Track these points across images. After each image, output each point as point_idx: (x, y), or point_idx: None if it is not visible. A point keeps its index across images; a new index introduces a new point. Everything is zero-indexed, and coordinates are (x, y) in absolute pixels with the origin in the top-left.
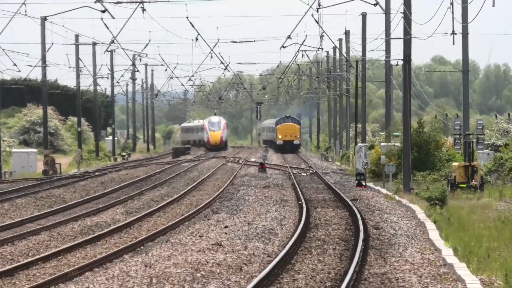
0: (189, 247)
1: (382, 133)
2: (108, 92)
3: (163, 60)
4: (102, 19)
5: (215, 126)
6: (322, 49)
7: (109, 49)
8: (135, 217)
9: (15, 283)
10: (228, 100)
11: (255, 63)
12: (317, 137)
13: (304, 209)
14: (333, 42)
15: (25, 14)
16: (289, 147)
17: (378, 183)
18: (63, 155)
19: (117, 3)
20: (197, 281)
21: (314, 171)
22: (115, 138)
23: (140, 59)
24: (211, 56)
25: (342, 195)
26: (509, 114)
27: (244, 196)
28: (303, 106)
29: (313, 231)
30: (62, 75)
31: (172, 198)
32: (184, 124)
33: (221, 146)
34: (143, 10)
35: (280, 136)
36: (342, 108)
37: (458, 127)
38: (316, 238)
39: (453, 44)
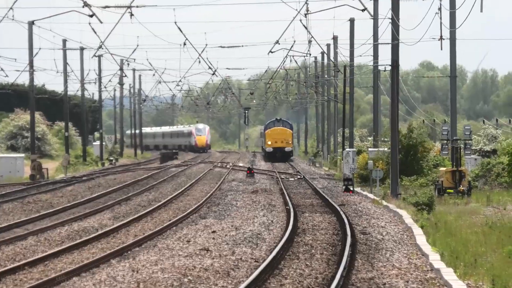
0: (176, 252)
1: (370, 138)
2: (96, 97)
3: (151, 65)
4: (90, 23)
5: (201, 132)
6: (310, 54)
7: (96, 54)
8: (122, 222)
9: None
10: (216, 105)
11: (243, 68)
12: (305, 142)
13: (292, 214)
14: (321, 47)
15: (13, 19)
16: (279, 155)
17: (365, 188)
18: (50, 160)
19: (105, 7)
20: (184, 286)
21: (302, 176)
22: (103, 143)
23: (128, 64)
24: (199, 61)
25: (329, 200)
26: (497, 119)
27: (232, 201)
28: (291, 111)
29: (300, 236)
30: (50, 80)
31: (160, 203)
32: (165, 130)
33: (206, 148)
34: (131, 15)
35: (269, 142)
36: (330, 113)
37: (446, 133)
38: (303, 243)
39: (441, 49)
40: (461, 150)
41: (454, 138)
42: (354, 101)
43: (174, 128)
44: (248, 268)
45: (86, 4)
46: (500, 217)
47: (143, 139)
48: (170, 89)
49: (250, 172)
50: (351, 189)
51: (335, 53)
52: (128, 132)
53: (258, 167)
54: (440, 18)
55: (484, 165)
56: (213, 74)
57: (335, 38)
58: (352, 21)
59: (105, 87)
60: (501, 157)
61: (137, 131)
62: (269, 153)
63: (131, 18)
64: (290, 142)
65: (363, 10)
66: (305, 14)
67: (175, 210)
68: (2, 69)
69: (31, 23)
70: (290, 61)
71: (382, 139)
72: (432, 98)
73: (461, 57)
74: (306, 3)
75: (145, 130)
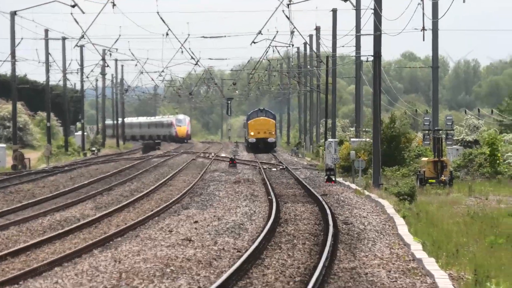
0: (158, 242)
1: (352, 129)
2: (78, 87)
3: (133, 55)
4: (72, 14)
5: (181, 123)
6: (292, 45)
7: (78, 44)
8: (104, 212)
9: None
10: (198, 95)
11: (226, 59)
12: (287, 132)
13: (274, 204)
14: (303, 38)
15: None
16: (262, 146)
17: (347, 178)
18: (32, 150)
19: None
20: (167, 276)
21: (285, 167)
22: (85, 133)
23: (110, 54)
24: (182, 51)
25: (312, 190)
26: (478, 110)
27: (214, 192)
28: (274, 102)
29: (283, 226)
30: (32, 70)
31: (142, 194)
32: (144, 120)
33: (187, 138)
34: (113, 5)
35: (252, 133)
36: (313, 103)
37: (428, 123)
38: (286, 233)
39: (423, 40)
40: (443, 140)
41: (436, 128)
42: (337, 92)
43: (155, 119)
44: (231, 258)
45: None
46: (481, 207)
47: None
48: (153, 79)
49: (233, 162)
50: (333, 179)
51: (318, 44)
52: (108, 122)
53: (241, 158)
54: (423, 9)
55: (466, 156)
56: (195, 65)
57: (317, 29)
58: (334, 11)
59: (87, 77)
60: (483, 147)
61: (120, 121)
62: (252, 144)
63: (113, 8)
64: (273, 132)
65: (345, 1)
66: (288, 5)
67: (157, 200)
68: None
69: (13, 13)
70: (273, 51)
71: (364, 129)
72: (414, 89)
73: (443, 48)
74: None
75: (126, 120)
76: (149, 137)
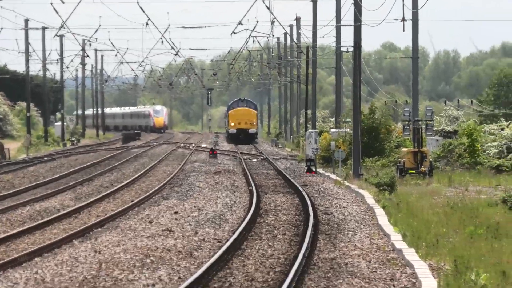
0: (138, 232)
1: (332, 119)
2: (58, 77)
3: (113, 45)
4: (52, 3)
5: (159, 113)
6: (273, 35)
7: (58, 34)
8: (84, 203)
9: None
10: (178, 85)
11: (206, 49)
12: (268, 123)
13: (255, 194)
14: (284, 28)
15: None
16: (243, 137)
17: (328, 169)
18: (12, 141)
19: None
20: (147, 266)
21: (265, 157)
22: (65, 124)
23: (90, 44)
24: (162, 42)
25: (292, 180)
26: (458, 100)
27: (195, 182)
28: (254, 92)
29: (263, 217)
30: (12, 60)
31: (122, 184)
32: (125, 110)
33: (164, 129)
34: None
35: (232, 123)
36: (293, 94)
37: (408, 114)
38: (266, 223)
39: (403, 30)
40: (423, 131)
41: (416, 119)
42: (317, 82)
43: (133, 109)
44: (211, 249)
45: None
46: (461, 197)
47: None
48: (133, 70)
49: (213, 153)
50: (314, 169)
51: (298, 34)
52: (87, 112)
53: (221, 148)
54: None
55: (445, 146)
56: (175, 55)
57: (297, 19)
58: (314, 2)
59: (67, 67)
60: (462, 138)
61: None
62: (232, 135)
63: None
64: (254, 123)
65: None
66: None
67: (137, 190)
68: None
69: None
70: (253, 42)
71: (343, 120)
72: (394, 79)
73: (423, 38)
74: None
75: (105, 110)
76: (126, 128)
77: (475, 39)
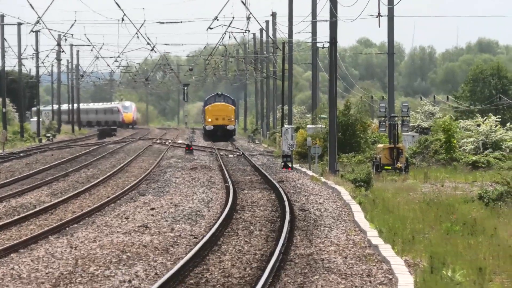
0: (115, 228)
1: (308, 115)
2: (33, 73)
3: (89, 41)
4: None
5: (128, 109)
6: (249, 31)
7: (34, 30)
8: (60, 199)
9: None
10: (154, 81)
11: (182, 44)
12: (244, 119)
13: (231, 190)
14: (259, 24)
15: None
16: (221, 133)
17: (304, 165)
18: None
19: None
20: (123, 262)
21: (241, 153)
22: (40, 119)
23: (66, 40)
24: (138, 37)
25: (268, 177)
26: (434, 96)
27: (171, 178)
28: (231, 88)
29: (239, 213)
30: None
31: (98, 180)
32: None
33: (133, 124)
34: None
35: (209, 120)
36: (269, 90)
37: (384, 109)
38: (242, 219)
39: (379, 26)
40: (399, 127)
41: (392, 115)
42: (293, 78)
43: (104, 105)
44: (187, 245)
45: None
46: (437, 194)
47: (65, 115)
48: (108, 65)
49: (189, 148)
50: (290, 165)
51: (274, 30)
52: (62, 108)
53: (197, 144)
54: None
55: (421, 142)
56: (151, 50)
57: (273, 15)
58: None
59: (42, 63)
60: (439, 134)
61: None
62: (209, 132)
63: None
64: (232, 119)
65: None
66: None
67: (113, 186)
68: None
69: None
70: (229, 37)
71: (319, 116)
72: (370, 75)
73: (398, 34)
74: None
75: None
76: (97, 123)
77: (451, 36)
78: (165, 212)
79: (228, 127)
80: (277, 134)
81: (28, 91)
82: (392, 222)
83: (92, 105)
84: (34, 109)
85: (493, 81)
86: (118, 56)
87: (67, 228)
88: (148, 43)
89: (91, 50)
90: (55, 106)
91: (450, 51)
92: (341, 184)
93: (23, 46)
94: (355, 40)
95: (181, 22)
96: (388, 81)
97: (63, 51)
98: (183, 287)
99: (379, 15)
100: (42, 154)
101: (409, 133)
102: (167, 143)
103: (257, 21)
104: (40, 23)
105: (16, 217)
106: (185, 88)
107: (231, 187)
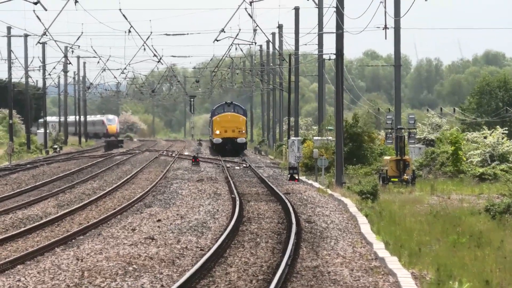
0: (121, 240)
1: (315, 127)
2: (40, 85)
3: (96, 53)
4: (34, 11)
5: (111, 122)
6: (255, 43)
7: (41, 41)
8: (66, 210)
9: None
10: (161, 93)
11: (189, 56)
12: (250, 130)
13: (237, 202)
14: (266, 36)
15: None
16: (230, 147)
17: (310, 177)
18: None
19: None
20: (129, 274)
21: (248, 165)
22: (47, 131)
23: (72, 51)
24: (144, 49)
25: (275, 188)
26: (441, 108)
27: (177, 190)
28: (237, 100)
29: (246, 225)
30: None
31: (104, 192)
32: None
33: (116, 134)
34: (76, 1)
35: (217, 132)
36: (276, 101)
37: (390, 121)
38: (249, 231)
39: (385, 38)
40: (405, 139)
41: (398, 127)
42: (299, 90)
43: (90, 118)
44: (194, 257)
45: None
46: (444, 206)
47: (71, 127)
48: (115, 77)
49: (195, 160)
50: (296, 177)
51: (280, 42)
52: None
53: (204, 156)
54: (385, 7)
55: (428, 154)
56: (158, 62)
57: (280, 27)
58: (297, 9)
59: (49, 75)
60: (445, 146)
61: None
62: (217, 145)
63: (75, 5)
64: (243, 131)
65: None
66: (250, 2)
67: (120, 198)
68: None
69: None
70: (236, 49)
71: (326, 127)
72: (376, 87)
73: (405, 46)
74: None
75: (69, 118)
76: (90, 134)
77: (457, 48)
78: (171, 224)
79: (238, 140)
80: (284, 146)
81: (34, 103)
82: (398, 234)
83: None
84: (41, 120)
85: (500, 93)
86: (125, 68)
87: (73, 240)
88: (155, 55)
89: (98, 62)
90: (62, 118)
91: (456, 64)
92: (348, 196)
93: (30, 58)
94: (361, 52)
95: (187, 34)
96: (395, 93)
97: (70, 63)
98: None
99: (385, 27)
100: (48, 166)
101: (416, 145)
102: (173, 155)
103: (264, 33)
104: (46, 35)
105: (22, 229)
106: (192, 99)
107: (237, 198)
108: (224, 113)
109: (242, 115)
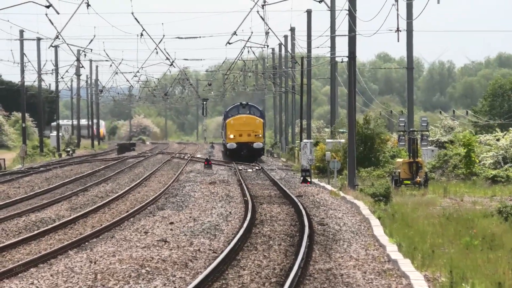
0: (134, 243)
1: (327, 130)
2: (53, 88)
3: (108, 56)
4: (46, 14)
5: (99, 126)
6: (267, 45)
7: (53, 45)
8: (79, 213)
9: None
10: (173, 96)
11: (201, 59)
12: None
13: (250, 205)
14: (278, 39)
15: None
16: (246, 153)
17: (323, 180)
18: (7, 151)
19: None
20: (142, 277)
21: (260, 168)
22: (60, 134)
23: (85, 55)
24: (157, 52)
25: (287, 191)
26: (454, 111)
27: (190, 192)
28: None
29: (258, 227)
30: (7, 71)
31: (117, 194)
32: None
33: (103, 138)
34: (88, 5)
35: (232, 136)
36: (288, 104)
37: (403, 124)
38: (261, 234)
39: (398, 41)
40: (418, 141)
41: (411, 129)
42: (312, 93)
43: (82, 122)
44: (206, 259)
45: None
46: (457, 208)
47: (83, 130)
48: (127, 80)
49: (208, 163)
50: (309, 180)
51: (293, 45)
52: (79, 122)
53: (216, 158)
54: (397, 10)
55: (441, 157)
56: (170, 65)
57: (292, 30)
58: (309, 12)
59: (62, 78)
60: (458, 148)
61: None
62: (231, 150)
63: (87, 8)
64: (260, 135)
65: (320, 2)
66: (263, 5)
67: (132, 201)
68: None
69: None
70: (248, 52)
71: (338, 130)
72: (389, 90)
73: (418, 49)
74: None
75: (62, 122)
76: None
77: (471, 50)
78: (184, 227)
79: (254, 145)
80: (296, 148)
81: (47, 106)
82: (411, 236)
83: (71, 121)
84: (53, 124)
85: None
86: (137, 71)
87: (86, 243)
88: (167, 58)
89: (110, 65)
90: (75, 121)
91: (468, 66)
92: (360, 199)
93: (43, 61)
94: (374, 55)
95: (200, 37)
96: (407, 96)
97: (82, 66)
98: None
99: (398, 30)
100: (61, 169)
101: (429, 147)
102: (186, 157)
103: (276, 36)
104: (59, 38)
105: (35, 232)
106: (204, 102)
107: (249, 201)
108: (239, 115)
109: (258, 117)
